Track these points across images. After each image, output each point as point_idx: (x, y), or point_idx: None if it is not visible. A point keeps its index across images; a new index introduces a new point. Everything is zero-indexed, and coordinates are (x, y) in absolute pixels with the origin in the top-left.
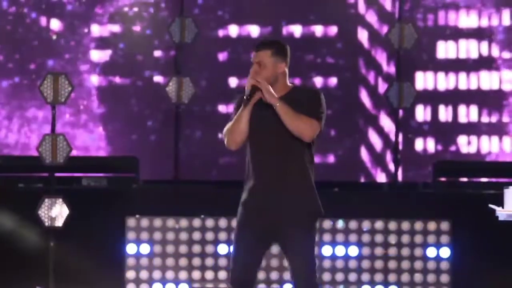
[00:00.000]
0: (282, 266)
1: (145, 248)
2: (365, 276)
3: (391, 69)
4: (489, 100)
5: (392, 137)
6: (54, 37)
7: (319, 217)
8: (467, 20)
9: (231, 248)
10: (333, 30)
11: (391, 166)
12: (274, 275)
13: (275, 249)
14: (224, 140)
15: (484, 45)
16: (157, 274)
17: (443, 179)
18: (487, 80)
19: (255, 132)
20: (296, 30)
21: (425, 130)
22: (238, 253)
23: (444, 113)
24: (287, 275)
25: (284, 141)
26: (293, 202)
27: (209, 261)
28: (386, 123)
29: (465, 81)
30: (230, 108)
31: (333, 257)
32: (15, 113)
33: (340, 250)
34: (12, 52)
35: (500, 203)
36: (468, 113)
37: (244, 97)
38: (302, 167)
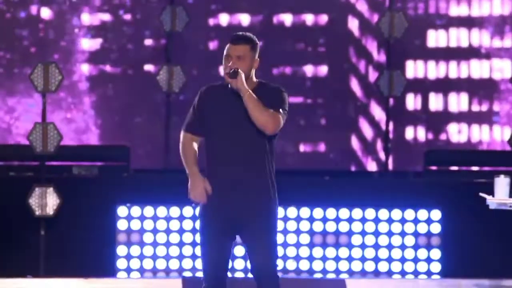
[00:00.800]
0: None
1: (136, 237)
2: (356, 265)
3: (381, 57)
4: (480, 88)
5: (383, 126)
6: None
7: (276, 206)
8: (457, 8)
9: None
10: (324, 18)
11: (382, 155)
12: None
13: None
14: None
15: (475, 33)
16: (148, 263)
17: (433, 167)
18: (477, 69)
19: (217, 124)
20: (287, 18)
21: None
22: (208, 250)
23: (435, 102)
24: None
25: (247, 133)
26: (253, 194)
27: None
28: (377, 111)
29: (455, 70)
30: None
31: (324, 246)
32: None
33: (330, 239)
34: (2, 41)
35: (491, 192)
36: (459, 102)
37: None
38: (263, 160)
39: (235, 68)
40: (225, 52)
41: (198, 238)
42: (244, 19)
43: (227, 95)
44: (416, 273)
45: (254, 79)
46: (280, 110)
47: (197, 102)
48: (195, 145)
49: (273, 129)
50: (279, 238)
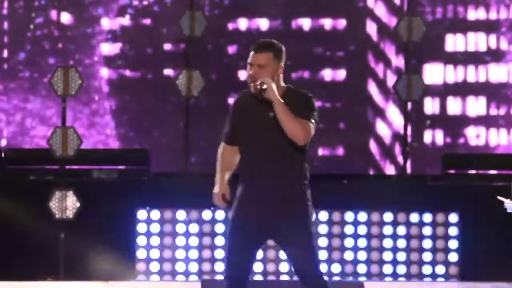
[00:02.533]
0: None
1: (155, 240)
2: (375, 268)
3: (399, 62)
4: (498, 92)
5: (401, 130)
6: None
7: (312, 212)
8: (475, 13)
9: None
10: (342, 23)
11: (400, 159)
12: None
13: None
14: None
15: (493, 38)
16: (167, 266)
17: (451, 171)
18: (495, 73)
19: (249, 132)
20: (305, 23)
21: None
22: (232, 253)
23: (453, 106)
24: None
25: (279, 140)
26: (288, 201)
27: (219, 253)
28: (395, 115)
29: (473, 74)
30: None
31: (343, 249)
32: (24, 107)
33: (349, 242)
34: (22, 46)
35: (509, 195)
36: (477, 106)
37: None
38: (296, 166)
39: (261, 83)
40: (248, 60)
41: (218, 240)
42: (263, 23)
43: (256, 102)
44: (434, 276)
45: (282, 84)
46: (310, 118)
47: (231, 112)
48: (232, 154)
49: (304, 139)
50: None
